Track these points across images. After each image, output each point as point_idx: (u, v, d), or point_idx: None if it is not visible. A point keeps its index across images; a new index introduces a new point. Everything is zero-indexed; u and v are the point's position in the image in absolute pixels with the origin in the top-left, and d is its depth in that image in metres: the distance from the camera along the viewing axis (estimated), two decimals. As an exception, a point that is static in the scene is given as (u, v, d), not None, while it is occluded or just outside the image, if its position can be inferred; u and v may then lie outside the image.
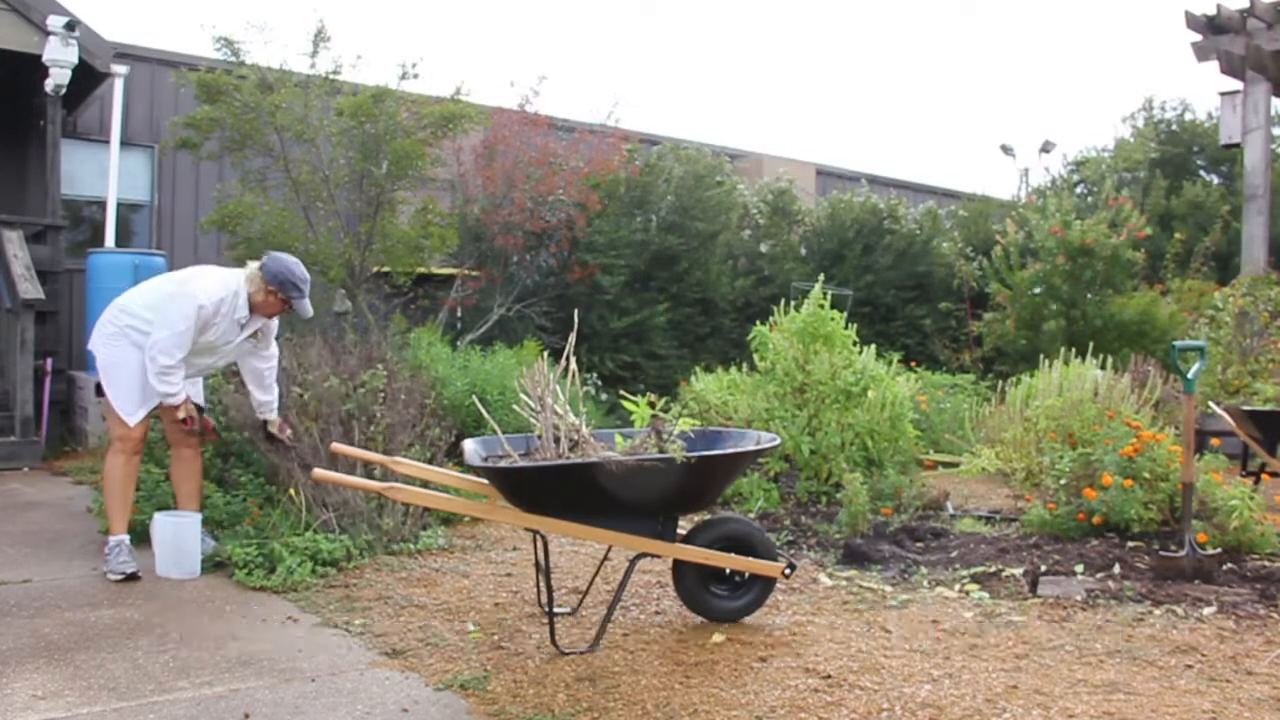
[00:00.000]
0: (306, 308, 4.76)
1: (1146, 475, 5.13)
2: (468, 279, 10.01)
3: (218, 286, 4.58)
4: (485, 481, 3.77)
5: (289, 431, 5.05)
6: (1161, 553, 4.50)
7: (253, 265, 4.75)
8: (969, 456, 7.13)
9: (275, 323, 4.95)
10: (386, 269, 9.24)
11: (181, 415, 4.64)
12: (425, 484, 4.30)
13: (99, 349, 4.69)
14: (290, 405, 5.32)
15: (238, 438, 5.50)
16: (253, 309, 4.69)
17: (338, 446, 4.16)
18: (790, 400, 6.60)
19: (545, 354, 6.48)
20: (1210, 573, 4.38)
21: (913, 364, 10.48)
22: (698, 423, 5.67)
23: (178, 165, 10.51)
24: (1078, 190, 16.36)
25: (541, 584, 3.80)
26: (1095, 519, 5.07)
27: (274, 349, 4.99)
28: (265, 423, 5.00)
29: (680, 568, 3.83)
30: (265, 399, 4.96)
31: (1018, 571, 4.51)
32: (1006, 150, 17.13)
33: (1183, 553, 4.41)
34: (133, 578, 4.45)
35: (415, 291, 9.79)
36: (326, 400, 5.22)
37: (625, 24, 57.29)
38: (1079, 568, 4.52)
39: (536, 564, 3.85)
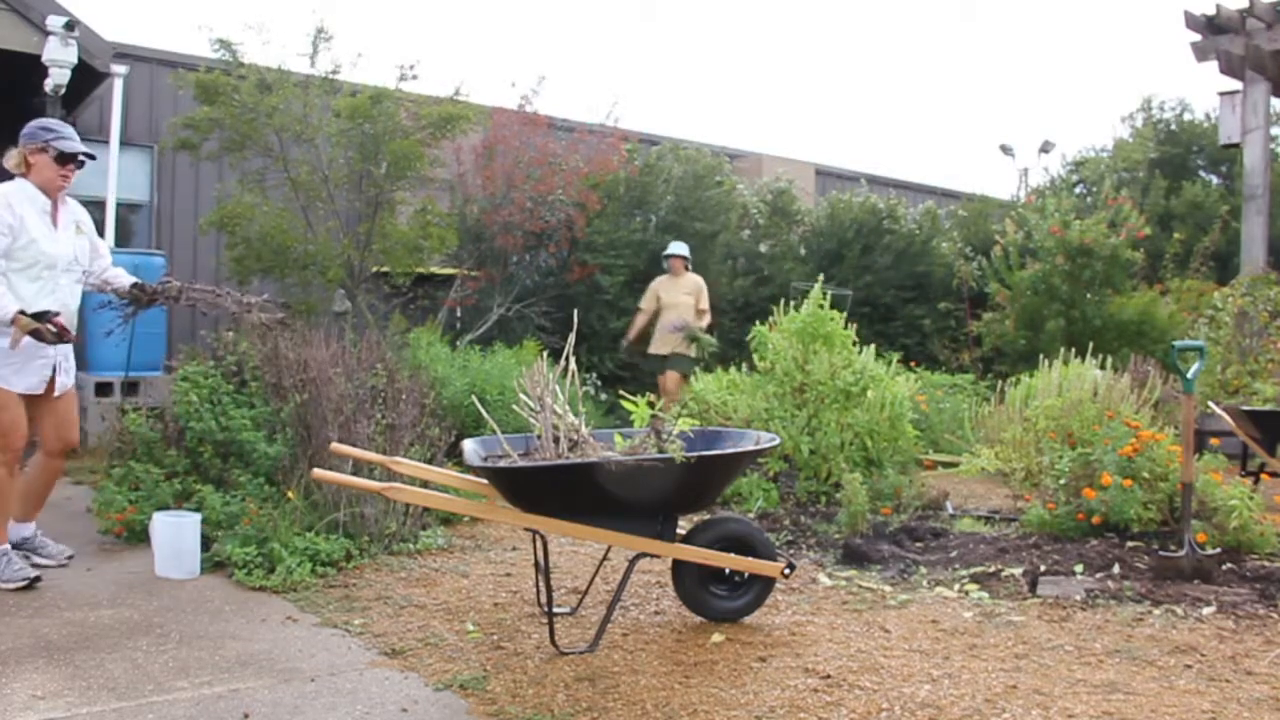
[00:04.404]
0: (72, 145, 4.43)
1: (1146, 475, 5.13)
2: (467, 279, 10.02)
3: None
4: (485, 481, 3.76)
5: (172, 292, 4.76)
6: (1161, 553, 4.50)
7: (11, 150, 4.43)
8: (968, 456, 7.12)
9: (89, 217, 4.72)
10: (386, 269, 9.25)
11: (16, 337, 4.13)
12: (425, 484, 4.30)
13: None
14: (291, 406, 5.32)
15: (237, 438, 5.49)
16: (45, 191, 4.41)
17: (337, 447, 4.16)
18: (790, 400, 6.60)
19: (545, 354, 6.48)
20: (1210, 573, 4.38)
21: (912, 364, 10.48)
22: (697, 423, 5.67)
23: (177, 165, 10.51)
24: (1077, 190, 16.35)
25: (541, 584, 3.79)
26: (1095, 519, 5.07)
27: (101, 241, 4.81)
28: (132, 286, 4.74)
29: (679, 568, 3.83)
30: (119, 273, 4.77)
31: (1017, 571, 4.51)
32: (1006, 150, 17.16)
33: (1182, 553, 4.41)
34: (33, 584, 4.23)
35: (415, 291, 9.80)
36: (327, 400, 5.21)
37: (625, 24, 57.30)
38: (1078, 568, 4.52)
39: (536, 564, 3.85)
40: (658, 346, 9.47)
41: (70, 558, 4.67)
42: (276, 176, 8.79)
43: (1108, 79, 52.11)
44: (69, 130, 4.46)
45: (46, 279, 4.38)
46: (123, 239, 10.19)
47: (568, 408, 3.72)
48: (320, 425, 5.16)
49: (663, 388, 9.15)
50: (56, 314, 4.24)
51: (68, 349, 4.51)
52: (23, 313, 4.13)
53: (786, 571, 3.80)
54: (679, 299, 9.40)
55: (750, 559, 3.80)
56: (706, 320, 9.45)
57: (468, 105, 9.13)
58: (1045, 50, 58.86)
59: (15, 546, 4.47)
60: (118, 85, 9.53)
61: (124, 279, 4.80)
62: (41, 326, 4.14)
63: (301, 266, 8.62)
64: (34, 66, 8.63)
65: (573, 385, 3.80)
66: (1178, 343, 4.82)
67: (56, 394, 4.50)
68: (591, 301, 10.20)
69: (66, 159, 4.43)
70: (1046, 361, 7.31)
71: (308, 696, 3.09)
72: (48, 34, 8.41)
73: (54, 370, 4.46)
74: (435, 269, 9.95)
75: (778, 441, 4.06)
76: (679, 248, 9.62)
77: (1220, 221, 13.28)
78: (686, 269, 9.61)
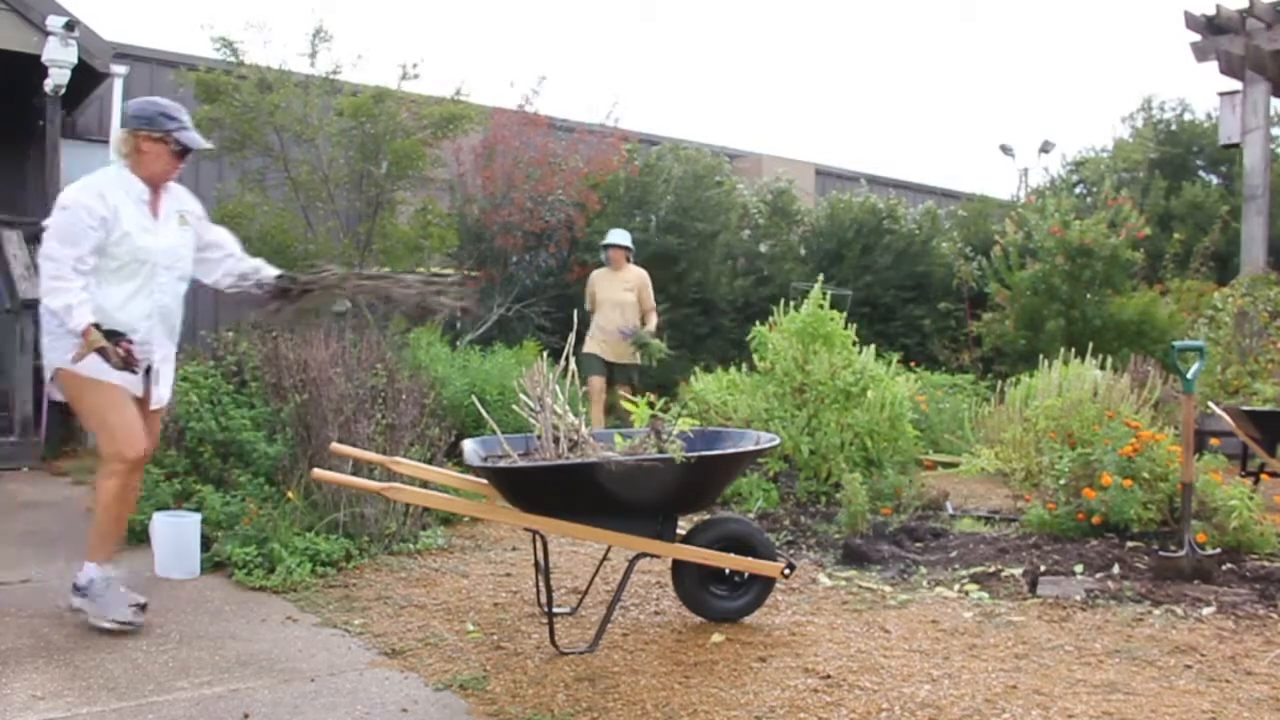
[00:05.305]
0: (195, 138, 3.92)
1: (1146, 475, 5.13)
2: (467, 279, 10.02)
3: (78, 183, 3.75)
4: (484, 481, 3.76)
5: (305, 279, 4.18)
6: (1161, 553, 4.50)
7: (118, 131, 3.92)
8: (968, 457, 7.12)
9: (199, 205, 4.15)
10: (386, 269, 9.25)
11: (81, 352, 3.56)
12: (425, 484, 4.30)
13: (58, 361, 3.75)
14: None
15: (237, 438, 5.49)
16: (148, 181, 3.85)
17: (337, 447, 4.16)
18: (789, 400, 6.60)
19: (545, 354, 6.48)
20: (1209, 573, 4.38)
21: (912, 364, 10.48)
22: (697, 423, 5.66)
23: (177, 165, 10.49)
24: (1077, 190, 16.35)
25: (541, 584, 3.79)
26: (1095, 519, 5.07)
27: (220, 230, 4.26)
28: (279, 278, 4.20)
29: (679, 568, 3.83)
30: (258, 265, 4.25)
31: (1017, 571, 4.51)
32: (1006, 150, 17.14)
33: (1182, 553, 4.41)
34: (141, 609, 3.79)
35: (415, 291, 9.79)
36: (327, 400, 5.21)
37: (625, 24, 57.35)
38: (1078, 568, 4.52)
39: (536, 564, 3.85)
40: (596, 348, 8.14)
41: (143, 606, 3.79)
42: (277, 176, 8.80)
43: (1108, 79, 52.15)
44: (189, 119, 3.96)
45: (144, 278, 3.82)
46: (123, 239, 10.17)
47: (568, 408, 3.72)
48: (320, 425, 5.16)
49: (591, 391, 7.95)
50: (129, 339, 3.68)
51: (168, 354, 3.97)
52: (97, 326, 3.59)
53: (786, 571, 3.80)
54: (619, 295, 8.18)
55: (750, 559, 3.80)
56: (653, 321, 8.39)
57: (468, 105, 9.15)
58: (1045, 50, 58.91)
59: (78, 590, 3.81)
60: (118, 85, 9.53)
61: (268, 270, 4.24)
62: (110, 347, 3.59)
63: (301, 266, 8.63)
64: (34, 66, 8.63)
65: (572, 385, 3.80)
66: (1178, 343, 4.82)
67: (153, 407, 3.92)
68: (591, 302, 10.21)
69: (186, 152, 3.90)
70: (1046, 361, 7.31)
71: (308, 696, 3.09)
72: (48, 34, 8.41)
73: (149, 377, 3.87)
74: (435, 269, 9.96)
75: (778, 441, 4.06)
76: (619, 236, 8.43)
77: (1220, 221, 13.28)
78: (628, 260, 8.38)
